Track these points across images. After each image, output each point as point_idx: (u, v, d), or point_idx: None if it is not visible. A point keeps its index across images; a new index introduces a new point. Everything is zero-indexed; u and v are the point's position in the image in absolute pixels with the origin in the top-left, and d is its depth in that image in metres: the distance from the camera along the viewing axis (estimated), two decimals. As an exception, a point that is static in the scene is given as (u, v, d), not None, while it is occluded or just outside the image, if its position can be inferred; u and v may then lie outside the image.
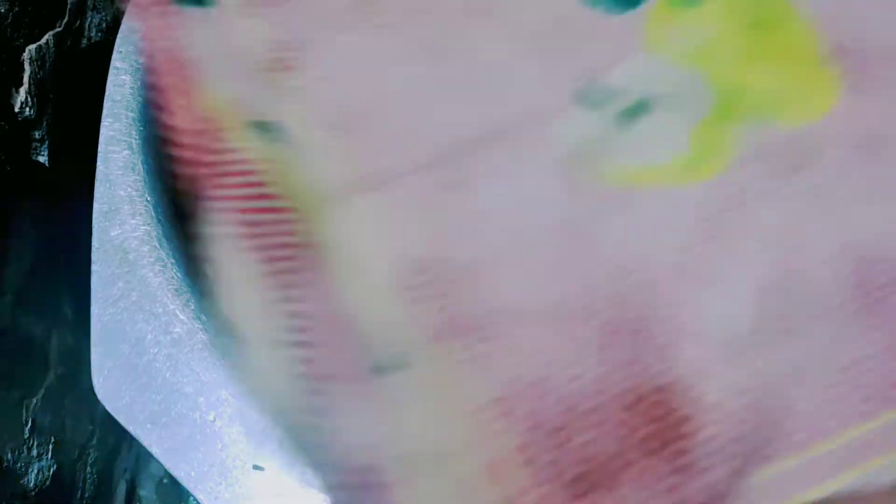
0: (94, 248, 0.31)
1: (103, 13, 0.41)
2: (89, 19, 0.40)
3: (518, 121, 0.32)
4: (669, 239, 0.29)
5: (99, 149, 0.32)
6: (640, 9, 0.35)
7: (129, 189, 0.32)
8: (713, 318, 0.27)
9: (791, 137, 0.32)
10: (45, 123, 0.37)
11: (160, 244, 0.31)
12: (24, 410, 0.39)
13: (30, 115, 0.36)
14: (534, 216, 0.29)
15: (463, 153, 0.30)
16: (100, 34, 0.41)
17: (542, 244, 0.29)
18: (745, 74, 0.34)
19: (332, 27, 0.33)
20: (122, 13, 0.36)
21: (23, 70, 0.35)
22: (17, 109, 0.35)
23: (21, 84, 0.35)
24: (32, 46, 0.36)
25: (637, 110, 0.33)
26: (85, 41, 0.40)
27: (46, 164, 0.37)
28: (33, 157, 0.37)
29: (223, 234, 0.27)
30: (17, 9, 0.34)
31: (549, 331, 0.27)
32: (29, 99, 0.36)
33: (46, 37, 0.37)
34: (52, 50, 0.37)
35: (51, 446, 0.40)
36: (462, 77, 0.33)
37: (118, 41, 0.34)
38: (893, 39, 0.33)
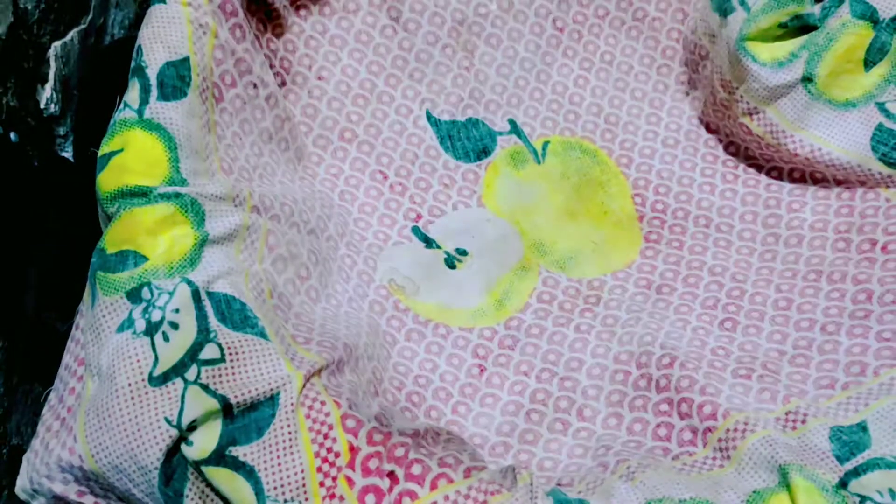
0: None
1: (126, 10, 0.41)
2: (112, 16, 0.40)
3: (357, 241, 0.39)
4: (451, 371, 0.37)
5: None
6: (484, 161, 0.44)
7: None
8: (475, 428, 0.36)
9: (589, 284, 0.40)
10: (69, 119, 0.37)
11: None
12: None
13: (55, 111, 0.36)
14: (349, 326, 0.35)
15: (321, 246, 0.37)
16: (122, 31, 0.41)
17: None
18: (557, 231, 0.42)
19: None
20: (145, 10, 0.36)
21: (48, 66, 0.35)
22: (42, 105, 0.35)
23: (46, 80, 0.35)
24: (58, 43, 0.36)
25: (456, 258, 0.41)
26: (108, 38, 0.40)
27: (71, 160, 0.38)
28: (58, 153, 0.37)
29: None
30: (43, 6, 0.34)
31: None
32: (54, 95, 0.36)
33: (71, 33, 0.37)
34: (76, 46, 0.37)
35: (72, 441, 0.40)
36: (318, 194, 0.39)
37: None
38: (685, 206, 0.43)
